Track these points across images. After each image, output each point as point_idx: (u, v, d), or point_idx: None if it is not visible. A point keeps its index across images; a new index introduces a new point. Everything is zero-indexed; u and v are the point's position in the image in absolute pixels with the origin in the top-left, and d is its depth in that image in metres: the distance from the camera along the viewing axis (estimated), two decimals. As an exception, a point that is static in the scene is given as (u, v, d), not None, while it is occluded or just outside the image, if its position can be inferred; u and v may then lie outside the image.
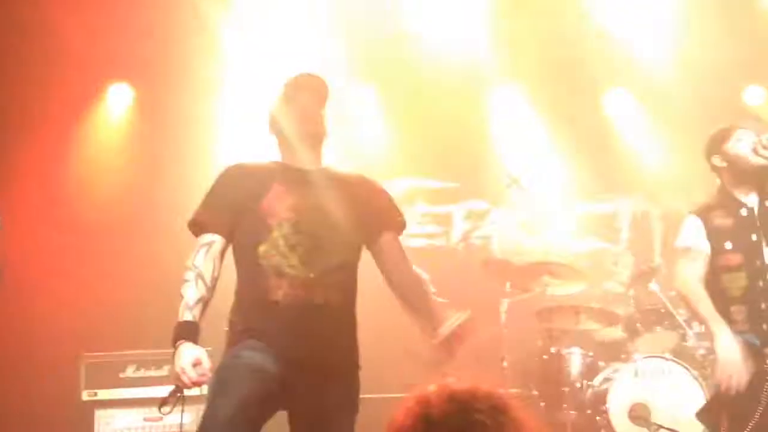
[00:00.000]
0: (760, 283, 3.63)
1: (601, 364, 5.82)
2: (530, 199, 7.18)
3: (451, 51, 6.90)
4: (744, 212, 3.74)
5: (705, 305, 3.67)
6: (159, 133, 6.78)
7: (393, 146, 7.18)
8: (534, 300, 6.16)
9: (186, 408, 5.06)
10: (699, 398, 5.32)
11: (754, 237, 3.67)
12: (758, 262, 3.64)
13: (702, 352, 5.74)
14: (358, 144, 7.03)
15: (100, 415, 5.27)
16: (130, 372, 5.36)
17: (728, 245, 3.70)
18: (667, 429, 5.24)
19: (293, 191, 3.03)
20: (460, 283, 6.83)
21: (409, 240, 7.35)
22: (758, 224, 3.69)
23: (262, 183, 3.05)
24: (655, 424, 5.28)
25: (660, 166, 7.33)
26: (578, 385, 5.72)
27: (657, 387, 5.41)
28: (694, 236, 3.79)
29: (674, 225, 7.59)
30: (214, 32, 6.36)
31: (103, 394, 5.32)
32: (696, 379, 5.39)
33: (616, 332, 6.14)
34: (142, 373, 5.35)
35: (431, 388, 1.51)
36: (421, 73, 6.94)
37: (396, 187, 7.31)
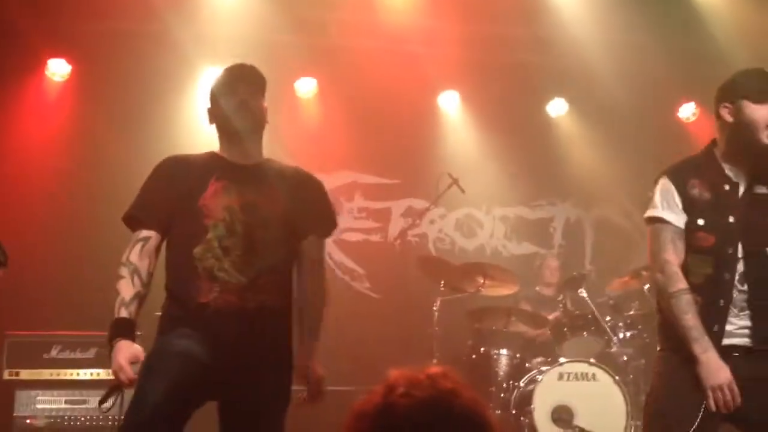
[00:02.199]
0: (726, 276, 2.98)
1: (528, 365, 5.92)
2: (468, 200, 7.26)
3: (395, 50, 6.95)
4: (727, 187, 3.06)
5: (689, 318, 2.95)
6: (95, 108, 6.66)
7: (335, 139, 7.18)
8: (466, 300, 6.24)
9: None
10: (620, 403, 5.46)
11: (731, 219, 3.02)
12: (730, 250, 2.99)
13: (625, 358, 5.90)
14: (300, 135, 7.01)
15: (21, 396, 5.14)
16: (54, 353, 5.24)
17: (701, 222, 3.04)
18: (588, 431, 5.36)
19: (230, 189, 3.01)
20: (395, 279, 6.91)
21: (346, 234, 7.38)
22: (739, 206, 3.04)
23: (200, 179, 3.02)
24: (577, 426, 5.40)
25: (596, 175, 7.50)
26: (505, 385, 5.82)
27: (580, 390, 5.53)
28: (669, 206, 3.09)
29: (604, 233, 7.88)
30: (155, 12, 6.27)
31: (26, 374, 5.20)
32: (618, 384, 5.52)
33: (544, 335, 6.27)
34: (66, 354, 5.23)
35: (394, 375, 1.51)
36: (366, 71, 6.96)
37: (335, 180, 7.33)
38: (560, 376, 5.57)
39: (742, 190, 3.07)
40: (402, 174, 7.49)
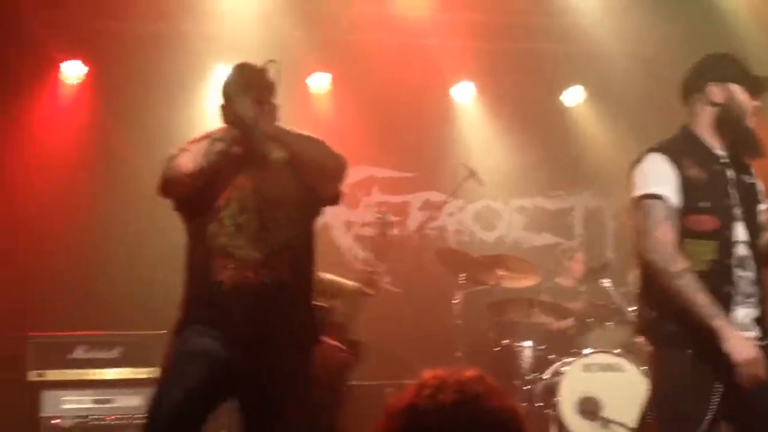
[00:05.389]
0: (728, 260, 2.80)
1: (552, 357, 5.88)
2: (486, 192, 7.22)
3: (409, 42, 6.92)
4: (718, 168, 2.88)
5: (703, 296, 2.70)
6: (110, 110, 6.66)
7: (350, 134, 7.14)
8: (487, 292, 6.20)
9: (136, 391, 5.08)
10: (646, 393, 5.41)
11: (728, 201, 2.86)
12: (728, 232, 2.82)
13: (650, 348, 5.84)
14: (314, 131, 6.97)
15: (47, 396, 5.16)
16: (79, 353, 5.25)
17: (704, 204, 2.81)
18: (616, 423, 5.32)
19: (243, 171, 3.01)
20: (415, 273, 6.88)
21: (365, 229, 7.35)
22: (731, 185, 2.88)
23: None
24: (604, 417, 5.36)
25: (614, 164, 7.42)
26: (529, 377, 5.78)
27: (606, 381, 5.48)
28: (664, 182, 2.82)
29: (625, 223, 7.80)
30: (167, 12, 6.28)
31: (51, 375, 5.21)
32: (644, 374, 5.47)
33: (568, 326, 6.23)
34: (91, 354, 5.25)
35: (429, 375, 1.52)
36: (379, 64, 6.92)
37: (352, 176, 7.28)
38: (585, 368, 5.53)
39: (730, 171, 2.91)
40: (419, 167, 7.45)
